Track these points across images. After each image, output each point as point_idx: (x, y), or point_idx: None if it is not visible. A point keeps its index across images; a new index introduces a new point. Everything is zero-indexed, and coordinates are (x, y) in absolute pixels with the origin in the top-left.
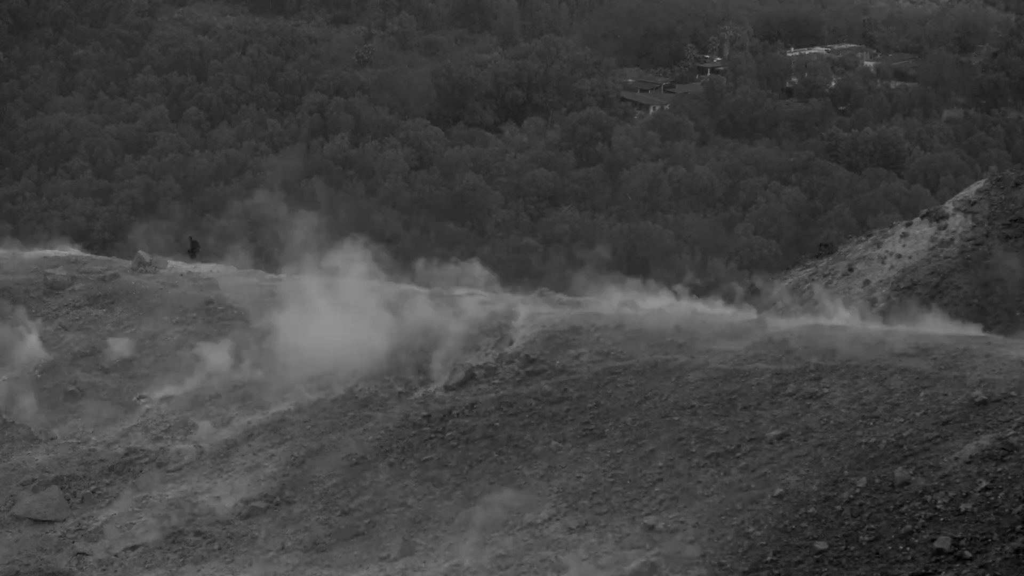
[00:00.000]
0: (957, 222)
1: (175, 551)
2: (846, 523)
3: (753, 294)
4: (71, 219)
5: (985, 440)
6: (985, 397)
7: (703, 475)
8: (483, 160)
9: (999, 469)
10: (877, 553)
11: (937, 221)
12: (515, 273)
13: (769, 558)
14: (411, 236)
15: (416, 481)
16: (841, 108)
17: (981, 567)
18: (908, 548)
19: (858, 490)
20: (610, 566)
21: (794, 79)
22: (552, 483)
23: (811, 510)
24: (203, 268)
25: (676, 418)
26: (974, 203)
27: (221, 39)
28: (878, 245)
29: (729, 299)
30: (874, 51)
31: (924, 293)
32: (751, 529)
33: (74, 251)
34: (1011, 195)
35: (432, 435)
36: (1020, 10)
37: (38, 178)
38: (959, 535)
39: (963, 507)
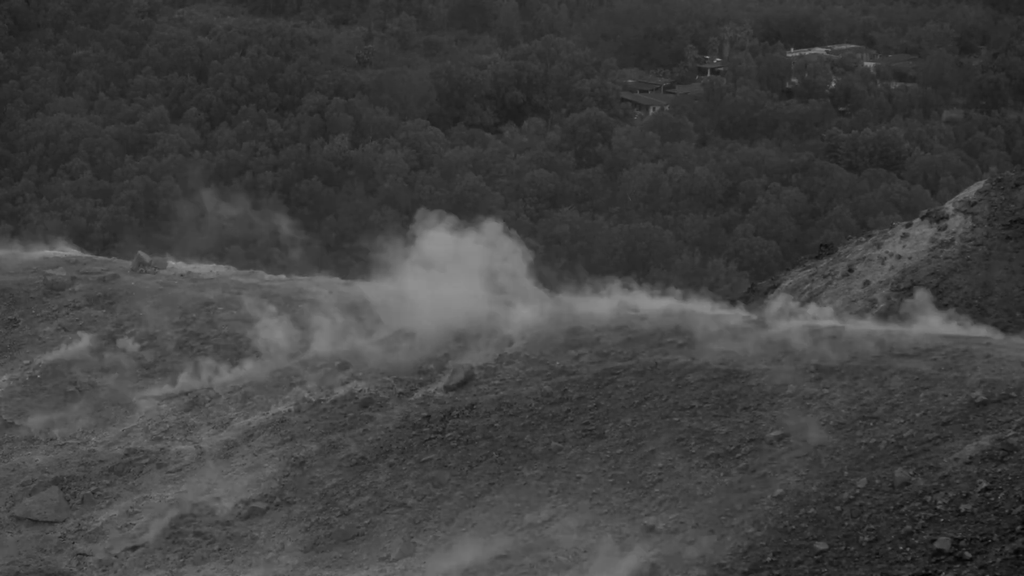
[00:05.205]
0: (957, 223)
1: (175, 551)
2: (846, 523)
3: (753, 295)
4: (71, 219)
5: (985, 441)
6: (985, 398)
7: (703, 476)
8: (483, 161)
9: (999, 470)
10: (877, 553)
11: (937, 222)
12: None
13: (769, 558)
14: None
15: (416, 482)
16: (841, 109)
17: (981, 568)
18: (908, 549)
19: (858, 490)
20: (610, 566)
21: (794, 80)
22: (552, 484)
23: (811, 510)
24: (203, 268)
25: (676, 419)
26: (974, 204)
27: (221, 40)
28: (878, 246)
29: (729, 300)
30: (874, 52)
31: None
32: (751, 529)
33: (74, 251)
34: (1011, 196)
35: (432, 436)
36: (1020, 11)
37: (38, 179)
38: (959, 536)
39: (963, 508)
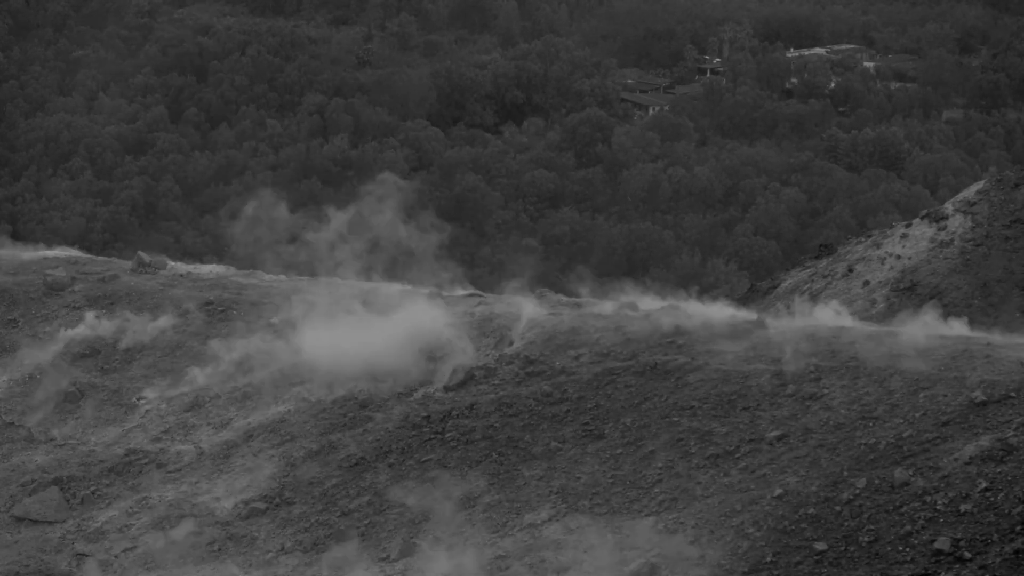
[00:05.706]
0: (957, 223)
1: (175, 551)
2: (846, 524)
3: (753, 295)
4: (71, 219)
5: (985, 441)
6: (985, 398)
7: (703, 476)
8: (483, 161)
9: (999, 470)
10: (877, 554)
11: (937, 222)
12: (515, 274)
13: (769, 559)
14: None
15: (416, 482)
16: (841, 109)
17: (981, 568)
18: (908, 549)
19: (858, 491)
20: (610, 566)
21: (794, 80)
22: (552, 484)
23: (811, 511)
24: (203, 269)
25: (676, 419)
26: (974, 204)
27: (221, 40)
28: (878, 246)
29: (729, 300)
30: (874, 52)
31: (924, 294)
32: (751, 530)
33: (74, 252)
34: (1011, 196)
35: (432, 436)
36: (1020, 11)
37: (38, 179)
38: (959, 536)
39: (963, 508)
